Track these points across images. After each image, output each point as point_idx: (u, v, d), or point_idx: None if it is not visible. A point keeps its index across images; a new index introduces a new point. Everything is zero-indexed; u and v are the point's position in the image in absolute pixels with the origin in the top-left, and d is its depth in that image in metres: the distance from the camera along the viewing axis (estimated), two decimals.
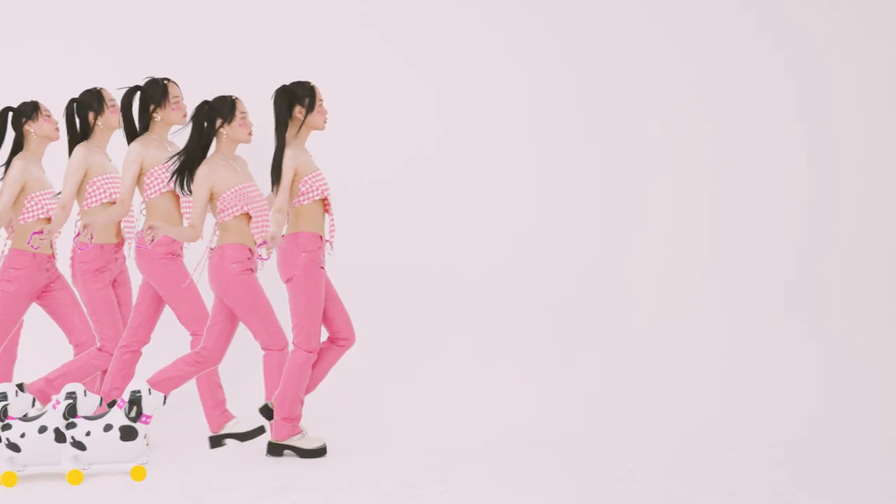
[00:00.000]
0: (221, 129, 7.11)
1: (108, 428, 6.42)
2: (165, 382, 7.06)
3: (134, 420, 6.43)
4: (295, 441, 7.00)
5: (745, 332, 9.11)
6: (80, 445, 6.40)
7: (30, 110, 7.51)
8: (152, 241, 6.83)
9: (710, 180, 9.48)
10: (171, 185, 7.20)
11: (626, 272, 9.37)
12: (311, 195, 7.09)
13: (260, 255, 6.94)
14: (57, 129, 7.55)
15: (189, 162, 7.04)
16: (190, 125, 7.11)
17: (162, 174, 7.30)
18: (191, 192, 7.05)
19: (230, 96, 7.15)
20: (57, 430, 6.50)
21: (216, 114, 7.07)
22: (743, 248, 9.43)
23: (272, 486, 6.31)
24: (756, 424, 7.81)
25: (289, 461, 6.92)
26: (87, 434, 6.41)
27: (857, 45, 9.53)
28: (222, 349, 7.16)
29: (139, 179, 7.35)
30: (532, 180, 9.49)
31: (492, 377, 8.66)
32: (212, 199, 7.08)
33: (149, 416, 6.47)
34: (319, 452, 7.01)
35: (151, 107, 7.39)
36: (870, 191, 9.45)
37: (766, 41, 9.56)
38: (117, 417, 6.44)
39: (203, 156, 7.09)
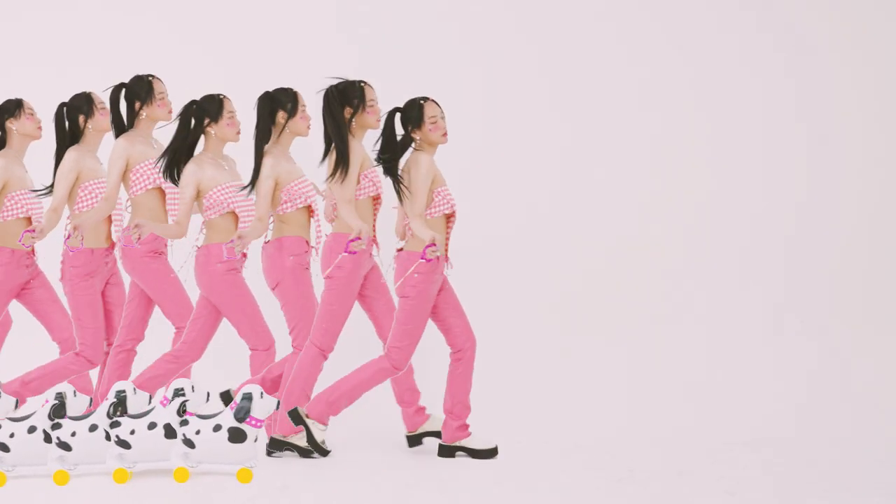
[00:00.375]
0: (209, 128, 7.14)
1: (217, 428, 6.31)
2: (150, 381, 7.13)
3: (241, 422, 6.33)
4: (296, 440, 6.99)
5: (745, 333, 9.12)
6: (189, 443, 6.32)
7: (13, 108, 7.49)
8: (139, 238, 6.85)
9: (710, 180, 9.48)
10: (158, 181, 7.21)
11: (625, 273, 9.38)
12: (294, 203, 7.11)
13: (230, 250, 6.93)
14: (39, 128, 7.51)
15: (174, 159, 7.08)
16: (176, 122, 7.15)
17: (148, 171, 7.30)
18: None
19: (218, 95, 7.17)
20: (44, 432, 6.47)
21: (204, 113, 7.10)
22: (743, 248, 9.43)
23: (272, 486, 6.31)
24: (756, 424, 7.81)
25: (289, 461, 6.91)
26: (198, 433, 6.32)
27: (857, 44, 9.53)
28: (202, 346, 7.20)
29: (125, 176, 7.35)
30: (528, 178, 9.49)
31: (491, 377, 8.66)
32: (198, 196, 7.10)
33: (260, 420, 6.33)
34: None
35: (137, 104, 7.38)
36: (870, 191, 9.46)
37: (766, 41, 9.56)
38: (227, 419, 6.33)
39: (189, 153, 7.13)
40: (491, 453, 6.97)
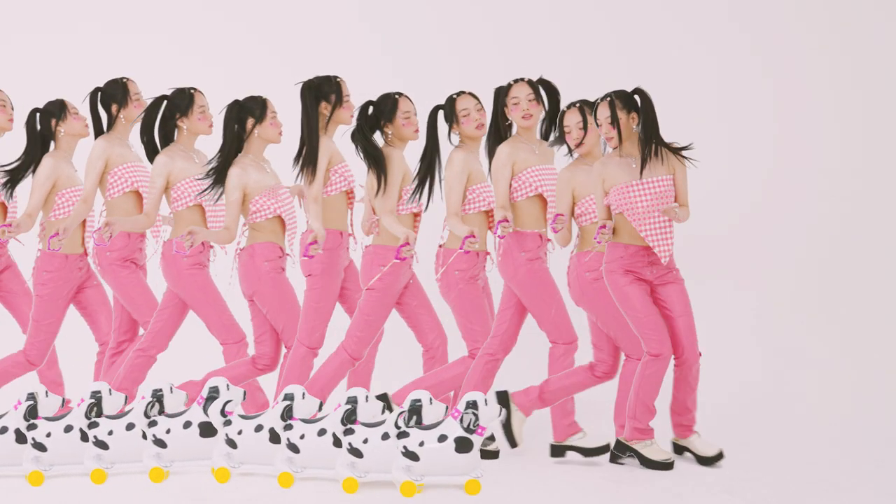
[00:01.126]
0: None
1: (442, 438, 6.10)
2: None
3: (470, 432, 6.13)
4: (575, 440, 6.94)
5: (745, 331, 9.11)
6: (412, 456, 6.12)
7: (57, 110, 7.42)
8: (191, 246, 6.80)
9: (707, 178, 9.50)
10: (199, 198, 7.16)
11: None
12: (339, 186, 7.10)
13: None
14: (86, 126, 7.44)
15: (227, 164, 7.06)
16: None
17: (189, 188, 7.21)
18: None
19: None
20: (272, 431, 6.37)
21: (248, 113, 7.07)
22: (746, 248, 9.43)
23: (272, 486, 6.31)
24: (756, 424, 7.82)
25: None
26: (421, 444, 6.11)
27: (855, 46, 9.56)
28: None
29: (166, 191, 7.27)
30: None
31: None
32: (244, 200, 7.09)
33: (483, 428, 6.13)
34: None
35: (177, 115, 7.26)
36: (869, 191, 9.47)
37: (767, 41, 9.59)
38: (453, 428, 6.13)
39: (237, 155, 7.11)
40: (493, 455, 6.97)
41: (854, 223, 9.38)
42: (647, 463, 6.67)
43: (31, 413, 6.46)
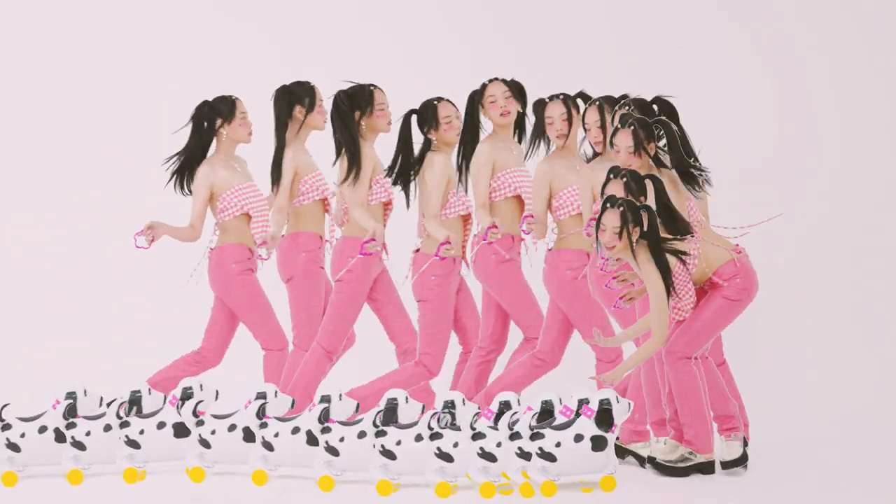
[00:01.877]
0: (221, 130, 7.15)
1: (578, 438, 6.08)
2: (164, 382, 7.11)
3: (606, 430, 6.10)
4: (638, 448, 6.84)
5: (743, 331, 9.11)
6: (549, 457, 6.09)
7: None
8: (152, 241, 6.88)
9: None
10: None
11: None
12: (311, 195, 7.13)
13: (260, 256, 6.98)
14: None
15: (188, 162, 7.10)
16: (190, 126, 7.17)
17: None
18: (190, 191, 7.12)
19: (230, 96, 7.17)
20: (312, 433, 6.34)
21: (216, 114, 7.09)
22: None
23: (272, 487, 6.31)
24: (755, 425, 7.80)
25: None
26: (558, 445, 6.09)
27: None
28: (222, 349, 7.23)
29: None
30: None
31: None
32: (212, 198, 7.12)
33: (616, 425, 6.13)
34: None
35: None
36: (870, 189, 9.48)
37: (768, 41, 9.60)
38: (587, 427, 6.10)
39: (203, 155, 7.13)
40: None
41: (854, 223, 9.38)
42: (657, 466, 6.57)
43: (70, 412, 6.47)
